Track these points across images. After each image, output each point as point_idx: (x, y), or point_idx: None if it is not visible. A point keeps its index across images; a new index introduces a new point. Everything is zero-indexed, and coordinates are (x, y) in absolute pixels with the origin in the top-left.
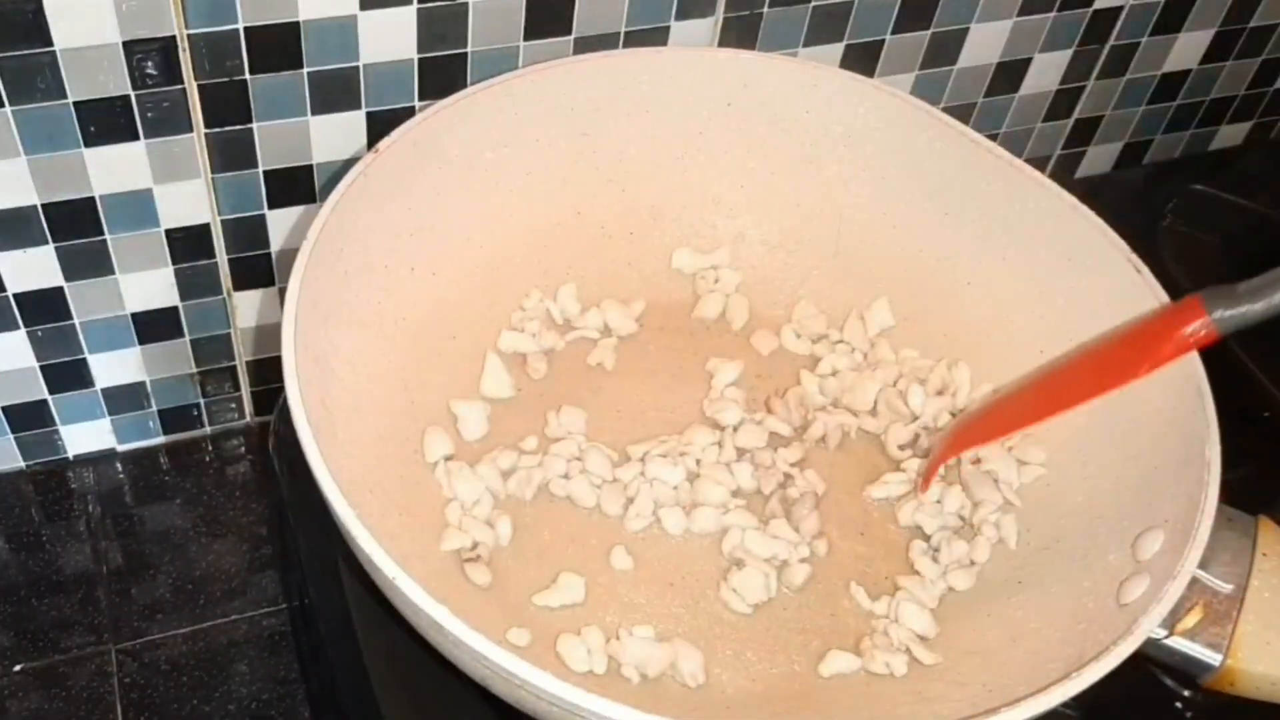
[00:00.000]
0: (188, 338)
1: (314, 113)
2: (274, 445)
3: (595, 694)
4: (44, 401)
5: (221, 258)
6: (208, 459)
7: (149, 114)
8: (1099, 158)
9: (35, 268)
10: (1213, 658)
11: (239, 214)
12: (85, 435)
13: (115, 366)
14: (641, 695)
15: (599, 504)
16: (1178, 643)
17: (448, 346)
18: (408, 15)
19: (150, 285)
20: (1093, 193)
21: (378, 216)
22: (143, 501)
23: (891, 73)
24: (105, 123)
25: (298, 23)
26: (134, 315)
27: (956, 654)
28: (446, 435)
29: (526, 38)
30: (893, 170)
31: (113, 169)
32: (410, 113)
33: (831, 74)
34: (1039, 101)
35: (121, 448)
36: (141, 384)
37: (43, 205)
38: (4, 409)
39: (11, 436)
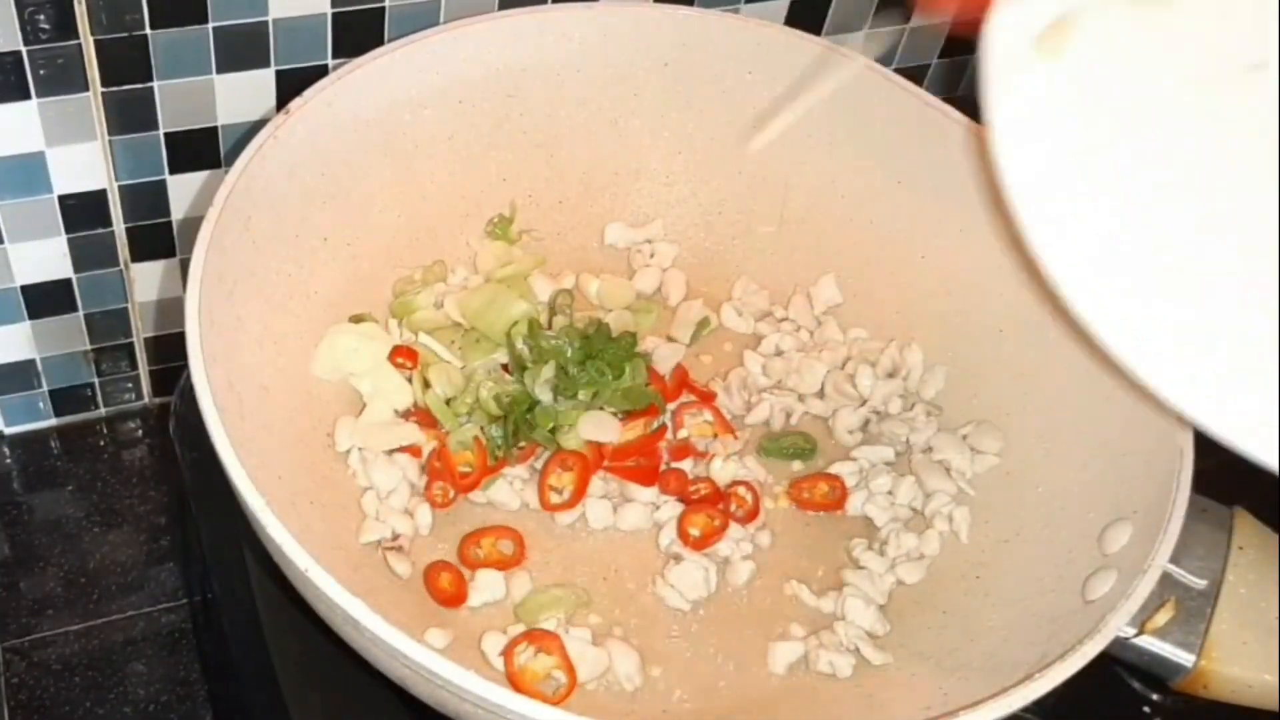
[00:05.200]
0: (81, 312)
1: (219, 70)
2: (175, 428)
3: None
4: None
5: (119, 226)
6: (103, 443)
7: (41, 71)
8: None
9: None
10: (1185, 658)
11: (138, 179)
12: None
13: (3, 343)
14: (574, 697)
15: (525, 503)
16: (1147, 642)
17: None
18: None
19: (42, 256)
20: None
21: (288, 183)
22: (32, 488)
23: (840, 31)
24: None
25: None
26: (24, 288)
27: (909, 654)
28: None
29: None
30: (842, 135)
31: (1, 130)
32: (323, 71)
33: (776, 32)
34: None
35: (9, 430)
36: (31, 362)
37: None
38: None
39: None
